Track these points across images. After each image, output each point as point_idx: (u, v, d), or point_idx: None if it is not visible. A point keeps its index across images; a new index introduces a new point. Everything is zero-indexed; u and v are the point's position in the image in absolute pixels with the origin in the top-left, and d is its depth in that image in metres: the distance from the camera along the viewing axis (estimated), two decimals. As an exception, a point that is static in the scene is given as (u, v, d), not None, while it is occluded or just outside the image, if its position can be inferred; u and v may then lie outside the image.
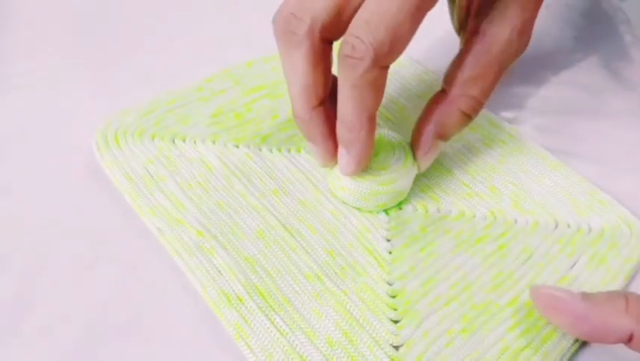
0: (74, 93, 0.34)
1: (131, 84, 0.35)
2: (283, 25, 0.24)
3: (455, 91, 0.27)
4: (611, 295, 0.23)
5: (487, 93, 0.27)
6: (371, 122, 0.25)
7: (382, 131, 0.30)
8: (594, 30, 0.41)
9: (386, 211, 0.29)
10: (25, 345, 0.23)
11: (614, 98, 0.37)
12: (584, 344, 0.25)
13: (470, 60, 0.27)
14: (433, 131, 0.28)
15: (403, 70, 0.37)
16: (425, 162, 0.29)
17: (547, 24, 0.42)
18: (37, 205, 0.28)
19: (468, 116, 0.28)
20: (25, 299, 0.25)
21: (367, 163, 0.27)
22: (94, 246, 0.27)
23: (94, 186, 0.29)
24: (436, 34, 0.40)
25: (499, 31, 0.27)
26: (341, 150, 0.26)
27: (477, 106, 0.27)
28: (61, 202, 0.28)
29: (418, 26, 0.23)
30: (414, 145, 0.29)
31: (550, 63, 0.39)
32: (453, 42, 0.41)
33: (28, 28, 0.39)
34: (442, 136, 0.28)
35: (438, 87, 0.36)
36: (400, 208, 0.29)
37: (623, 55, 0.40)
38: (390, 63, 0.24)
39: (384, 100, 0.34)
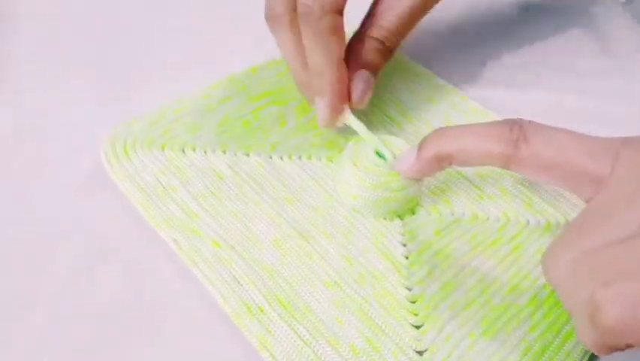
0: (79, 102, 0.34)
1: (135, 93, 0.35)
2: (301, 9, 0.27)
3: (366, 24, 0.30)
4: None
5: (395, 24, 0.30)
6: (338, 67, 0.28)
7: (390, 138, 0.30)
8: (600, 35, 0.42)
9: (400, 216, 0.29)
10: (26, 348, 0.23)
11: (621, 104, 0.37)
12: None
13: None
14: (356, 63, 0.30)
15: (405, 71, 0.37)
16: (361, 97, 0.30)
17: (554, 29, 0.42)
18: (40, 209, 0.28)
19: (380, 42, 0.30)
20: (30, 299, 0.25)
21: (340, 112, 0.29)
22: (100, 249, 0.27)
23: (99, 193, 0.29)
24: (437, 34, 0.40)
25: None
26: (317, 102, 0.29)
27: (385, 33, 0.30)
28: (65, 205, 0.28)
29: None
30: (350, 85, 0.29)
31: (557, 68, 0.39)
32: (455, 42, 0.41)
33: (34, 37, 0.39)
34: (365, 65, 0.30)
35: (441, 87, 0.36)
36: (414, 213, 0.29)
37: (629, 59, 0.40)
38: (338, 8, 0.27)
39: (387, 101, 0.35)
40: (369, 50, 0.30)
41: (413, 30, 0.31)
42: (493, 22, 0.43)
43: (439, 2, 0.31)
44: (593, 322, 0.18)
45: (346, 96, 0.29)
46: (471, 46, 0.41)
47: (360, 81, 0.29)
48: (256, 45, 0.38)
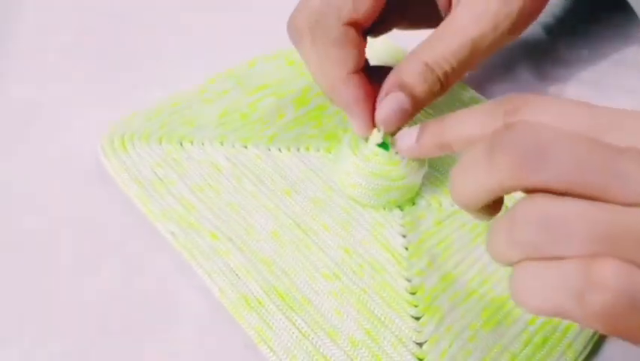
0: (77, 97, 0.34)
1: (133, 88, 0.34)
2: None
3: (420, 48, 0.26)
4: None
5: (456, 57, 0.26)
6: (347, 85, 0.27)
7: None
8: (603, 27, 0.42)
9: (400, 207, 0.28)
10: (28, 344, 0.23)
11: (620, 95, 0.37)
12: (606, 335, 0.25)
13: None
14: (393, 79, 0.26)
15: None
16: (385, 119, 0.26)
17: (556, 21, 0.42)
18: (39, 208, 0.28)
19: (431, 69, 0.26)
20: (30, 295, 0.25)
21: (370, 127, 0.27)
22: (99, 244, 0.26)
23: (98, 188, 0.29)
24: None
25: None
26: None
27: (442, 62, 0.26)
28: (65, 202, 0.28)
29: None
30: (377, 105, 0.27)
31: (558, 60, 0.39)
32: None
33: (34, 33, 0.38)
34: (402, 86, 0.26)
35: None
36: (414, 203, 0.29)
37: (631, 52, 0.40)
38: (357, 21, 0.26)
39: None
40: (412, 73, 0.26)
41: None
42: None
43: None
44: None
45: (371, 115, 0.27)
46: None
47: (388, 102, 0.26)
48: (254, 41, 0.38)
